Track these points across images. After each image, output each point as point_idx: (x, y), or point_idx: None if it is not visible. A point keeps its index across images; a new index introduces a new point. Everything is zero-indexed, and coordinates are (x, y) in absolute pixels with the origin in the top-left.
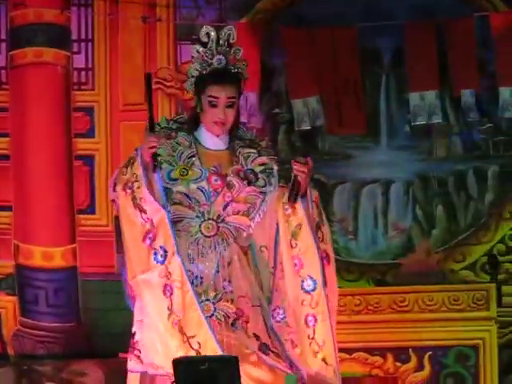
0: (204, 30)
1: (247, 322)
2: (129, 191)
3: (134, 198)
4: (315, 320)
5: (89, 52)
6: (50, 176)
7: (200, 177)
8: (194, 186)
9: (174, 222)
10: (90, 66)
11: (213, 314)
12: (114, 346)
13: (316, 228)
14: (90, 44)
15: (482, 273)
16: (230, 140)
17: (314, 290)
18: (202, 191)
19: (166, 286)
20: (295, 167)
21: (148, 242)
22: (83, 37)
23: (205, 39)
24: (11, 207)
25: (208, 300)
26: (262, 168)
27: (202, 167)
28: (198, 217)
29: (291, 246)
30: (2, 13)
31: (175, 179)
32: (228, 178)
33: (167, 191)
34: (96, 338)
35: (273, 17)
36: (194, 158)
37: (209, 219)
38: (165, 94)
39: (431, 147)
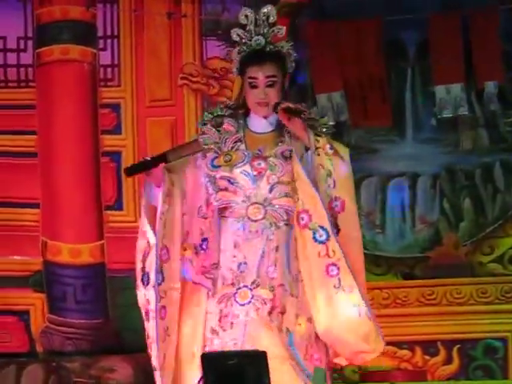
0: (242, 11)
1: (283, 314)
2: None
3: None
4: (338, 268)
5: (115, 49)
6: (77, 173)
7: (243, 161)
8: (237, 171)
9: (221, 209)
10: (116, 62)
11: (250, 301)
12: (142, 342)
13: (326, 175)
14: (115, 41)
15: (510, 265)
16: (280, 121)
17: (327, 239)
18: (245, 175)
19: (146, 310)
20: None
21: (140, 258)
22: (109, 33)
23: (244, 21)
24: (39, 204)
25: (246, 287)
26: (307, 153)
27: (246, 151)
28: (243, 201)
29: (294, 201)
30: (28, 11)
31: (218, 166)
32: (270, 160)
33: (211, 179)
34: (124, 334)
35: (297, 11)
36: (239, 143)
37: (255, 203)
38: (190, 90)
39: (457, 140)
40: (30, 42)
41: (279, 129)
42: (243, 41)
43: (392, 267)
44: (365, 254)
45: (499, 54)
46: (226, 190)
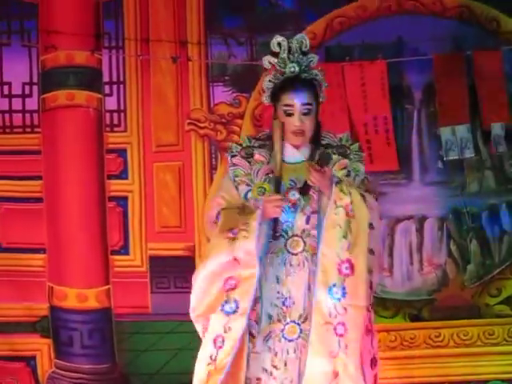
0: (275, 40)
1: None
2: (230, 234)
3: (233, 244)
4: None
5: (121, 94)
6: (84, 218)
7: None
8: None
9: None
10: (122, 107)
11: (299, 336)
12: None
13: (341, 236)
14: (121, 86)
15: None
16: (313, 150)
17: (339, 300)
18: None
19: (218, 336)
20: (312, 173)
21: (226, 286)
22: (115, 79)
23: (276, 49)
24: (45, 249)
25: (293, 322)
26: (344, 172)
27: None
28: (281, 236)
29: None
30: (33, 56)
31: (254, 199)
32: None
33: None
34: (131, 379)
35: None
36: (271, 175)
37: (293, 235)
38: (198, 135)
39: (464, 182)
40: (35, 88)
41: (311, 159)
42: (277, 68)
43: (400, 310)
44: (373, 297)
45: (505, 95)
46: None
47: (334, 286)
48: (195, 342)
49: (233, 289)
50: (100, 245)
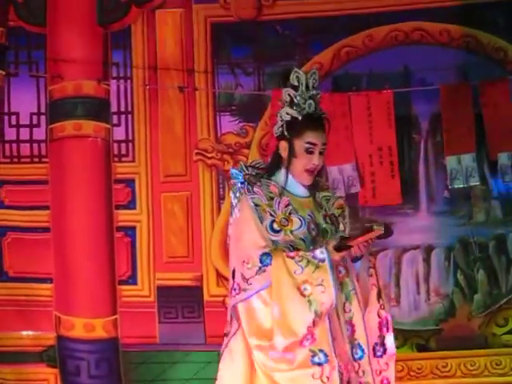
0: (294, 73)
1: None
2: (305, 292)
3: (309, 301)
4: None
5: (129, 124)
6: (91, 247)
7: (300, 226)
8: (296, 236)
9: None
10: (130, 137)
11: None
12: None
13: (377, 295)
14: (129, 116)
15: None
16: (312, 186)
17: (361, 358)
18: (303, 241)
19: None
20: (370, 234)
21: (306, 343)
22: (123, 109)
23: (295, 83)
24: (52, 279)
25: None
26: (339, 211)
27: (299, 215)
28: None
29: (345, 311)
30: (40, 86)
31: (278, 230)
32: (322, 226)
33: (273, 244)
34: None
35: None
36: (290, 207)
37: None
38: (206, 165)
39: (471, 212)
40: (42, 118)
41: (312, 194)
42: (295, 102)
43: (407, 340)
44: None
45: (511, 124)
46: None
47: (376, 344)
48: (202, 372)
49: (313, 342)
50: (108, 275)
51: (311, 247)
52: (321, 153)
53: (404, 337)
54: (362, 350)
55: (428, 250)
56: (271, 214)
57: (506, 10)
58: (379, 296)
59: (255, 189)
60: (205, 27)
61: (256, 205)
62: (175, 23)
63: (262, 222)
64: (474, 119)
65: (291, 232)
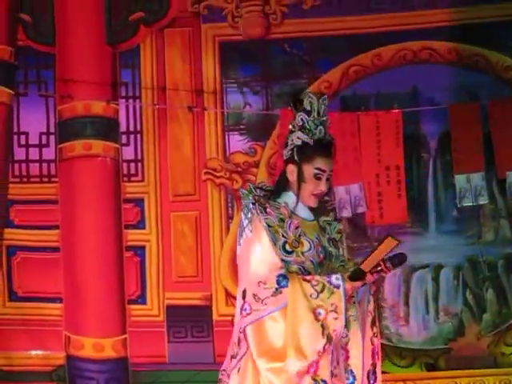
0: (308, 98)
1: None
2: (319, 316)
3: (322, 326)
4: None
5: (138, 143)
6: (101, 267)
7: (310, 249)
8: (306, 258)
9: None
10: (139, 157)
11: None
12: None
13: (372, 323)
14: (138, 135)
15: None
16: (317, 210)
17: None
18: (312, 262)
19: None
20: (386, 266)
21: (311, 370)
22: (132, 128)
23: (308, 108)
24: (62, 299)
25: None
26: (339, 236)
27: (308, 238)
28: None
29: (341, 336)
30: (50, 106)
31: (291, 252)
32: (328, 249)
33: (285, 264)
34: None
35: None
36: (299, 229)
37: None
38: (214, 185)
39: (480, 231)
40: (52, 138)
41: (316, 218)
42: (307, 127)
43: (416, 359)
44: (390, 346)
45: None
46: (296, 274)
47: (369, 372)
48: None
49: (316, 371)
50: (117, 294)
51: (319, 270)
52: (328, 179)
53: (413, 356)
54: (354, 377)
55: (437, 269)
56: (283, 236)
57: None
58: (373, 323)
59: (268, 210)
60: (213, 46)
61: (269, 225)
62: (184, 42)
63: (275, 243)
64: (482, 138)
65: (302, 254)
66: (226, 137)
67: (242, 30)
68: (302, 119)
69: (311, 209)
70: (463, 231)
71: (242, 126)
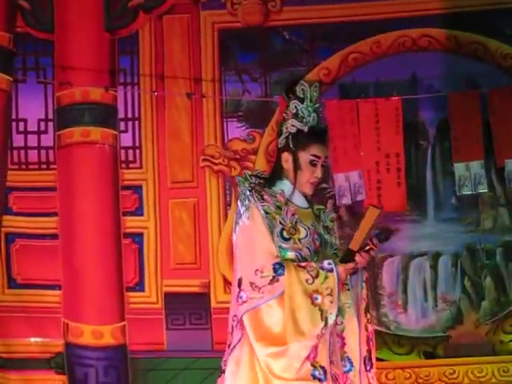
0: (300, 86)
1: None
2: (316, 301)
3: (320, 310)
4: None
5: (136, 130)
6: (99, 254)
7: (306, 236)
8: (303, 245)
9: None
10: (137, 144)
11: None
12: None
13: (365, 309)
14: (136, 122)
15: None
16: (311, 198)
17: (349, 371)
18: (308, 249)
19: None
20: (373, 243)
21: (311, 356)
22: (130, 115)
23: (301, 95)
24: (60, 286)
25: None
26: (332, 224)
27: (304, 225)
28: None
29: (336, 323)
30: (48, 93)
31: (288, 238)
32: (323, 236)
33: (283, 251)
34: None
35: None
36: (296, 216)
37: None
38: (212, 171)
39: (478, 219)
40: (50, 124)
41: (311, 205)
42: (301, 115)
43: (415, 347)
44: (388, 333)
45: None
46: (293, 262)
47: (365, 358)
48: (211, 378)
49: (315, 357)
50: (115, 281)
51: (315, 257)
52: (323, 166)
53: (411, 344)
54: (351, 364)
55: (435, 256)
56: (281, 222)
57: None
58: (367, 310)
59: (265, 196)
60: (212, 33)
61: (266, 212)
62: (182, 29)
63: (272, 231)
64: (482, 126)
65: (299, 240)
66: (225, 124)
67: (240, 17)
68: (295, 107)
69: (306, 197)
70: (462, 219)
71: (240, 113)
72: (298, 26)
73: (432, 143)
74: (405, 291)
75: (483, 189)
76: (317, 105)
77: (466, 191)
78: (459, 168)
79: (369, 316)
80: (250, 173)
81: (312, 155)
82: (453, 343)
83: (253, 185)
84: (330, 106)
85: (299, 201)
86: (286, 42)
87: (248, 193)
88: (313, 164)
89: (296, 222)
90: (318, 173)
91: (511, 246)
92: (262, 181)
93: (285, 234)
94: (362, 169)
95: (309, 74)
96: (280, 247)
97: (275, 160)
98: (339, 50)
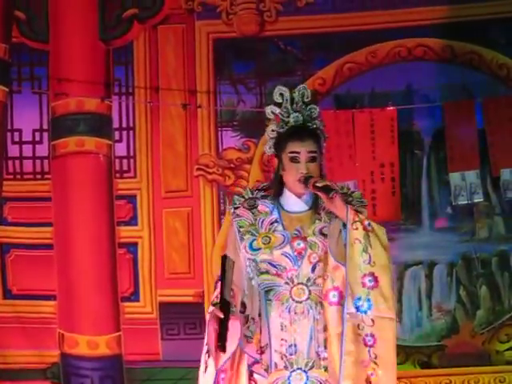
0: (277, 90)
1: None
2: None
3: None
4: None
5: (130, 140)
6: (94, 264)
7: (283, 242)
8: (278, 253)
9: (265, 292)
10: (131, 154)
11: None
12: None
13: (362, 250)
14: (131, 132)
15: None
16: (315, 199)
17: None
18: (286, 256)
19: None
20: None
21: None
22: (124, 125)
23: (279, 100)
24: (55, 296)
25: (300, 369)
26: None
27: (284, 232)
28: (286, 283)
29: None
30: (43, 103)
31: (258, 249)
32: (309, 239)
33: (252, 263)
34: None
35: (312, 99)
36: (276, 224)
37: (298, 283)
38: (206, 181)
39: (473, 228)
40: (45, 134)
41: (315, 207)
42: (281, 118)
43: (410, 356)
44: None
45: None
46: (267, 272)
47: (360, 299)
48: None
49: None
50: (110, 291)
51: (299, 262)
52: (311, 161)
53: (406, 353)
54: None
55: (430, 266)
56: (252, 234)
57: (509, 27)
58: (364, 251)
59: (238, 212)
60: (207, 43)
61: (240, 226)
62: (177, 39)
63: (242, 242)
64: (477, 136)
65: (272, 248)
66: (219, 133)
67: (236, 27)
68: (272, 112)
69: (312, 199)
70: (457, 228)
71: (235, 123)
72: (293, 36)
73: (427, 152)
74: (400, 300)
75: (479, 198)
76: (302, 105)
77: (462, 201)
78: (455, 177)
79: (366, 257)
80: (252, 187)
81: (290, 152)
82: (448, 353)
83: (242, 200)
84: (326, 116)
85: (290, 205)
86: (282, 52)
87: (232, 211)
88: (294, 161)
89: (274, 231)
90: (302, 168)
91: (506, 256)
92: (264, 193)
93: (254, 244)
94: (357, 179)
95: (304, 84)
96: (249, 259)
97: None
98: (334, 59)
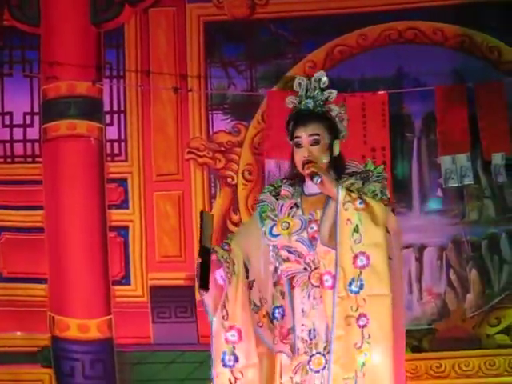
0: (297, 80)
1: None
2: None
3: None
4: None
5: (121, 123)
6: (85, 248)
7: (300, 227)
8: (294, 239)
9: (288, 279)
10: (122, 137)
11: (324, 367)
12: None
13: (352, 231)
14: (122, 116)
15: None
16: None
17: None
18: (301, 242)
19: None
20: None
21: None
22: (115, 109)
23: (297, 89)
24: (46, 280)
25: (319, 353)
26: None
27: (302, 216)
28: (305, 269)
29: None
30: (34, 86)
31: (278, 234)
32: (324, 221)
33: (274, 248)
34: None
35: None
36: (295, 209)
37: (316, 268)
38: (197, 164)
39: (464, 211)
40: (36, 118)
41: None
42: (295, 106)
43: None
44: None
45: (506, 125)
46: (288, 260)
47: (353, 280)
48: (198, 372)
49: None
50: (101, 275)
51: (314, 247)
52: (313, 144)
53: None
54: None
55: (420, 249)
56: (272, 219)
57: (500, 10)
58: (355, 231)
59: (262, 196)
60: (198, 26)
61: (262, 211)
62: (168, 22)
63: (263, 226)
64: (468, 120)
65: (291, 234)
66: (210, 116)
67: (227, 10)
68: (291, 101)
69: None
70: (447, 211)
71: (225, 106)
72: (284, 19)
73: (418, 136)
74: None
75: (469, 181)
76: (316, 92)
77: (453, 184)
78: (446, 161)
79: (357, 236)
80: (281, 178)
81: (295, 137)
82: (439, 336)
83: (271, 189)
84: None
85: (308, 189)
86: (272, 35)
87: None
88: (298, 146)
89: (293, 216)
90: (305, 152)
91: (496, 238)
92: (292, 180)
93: (274, 230)
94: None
95: (295, 67)
96: (268, 245)
97: None
98: (325, 42)
